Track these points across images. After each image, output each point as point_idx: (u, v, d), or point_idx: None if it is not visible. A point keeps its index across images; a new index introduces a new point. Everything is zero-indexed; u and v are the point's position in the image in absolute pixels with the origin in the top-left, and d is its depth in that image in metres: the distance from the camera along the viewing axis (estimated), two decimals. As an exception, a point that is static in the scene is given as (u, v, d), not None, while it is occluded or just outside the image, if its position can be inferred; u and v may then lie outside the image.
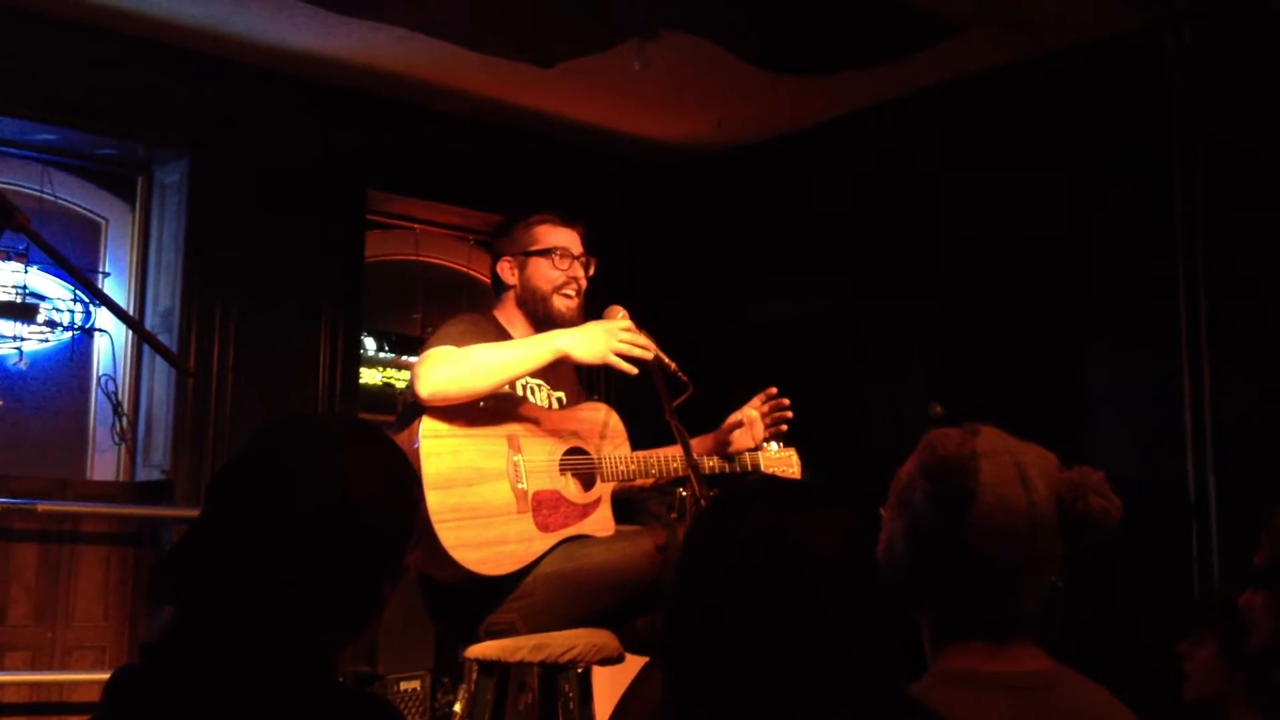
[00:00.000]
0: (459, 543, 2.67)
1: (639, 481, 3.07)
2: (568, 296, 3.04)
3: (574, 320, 3.02)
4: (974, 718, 1.51)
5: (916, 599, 1.63)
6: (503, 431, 2.84)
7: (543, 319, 3.02)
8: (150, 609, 4.60)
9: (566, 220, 3.11)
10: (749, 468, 3.13)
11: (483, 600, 2.79)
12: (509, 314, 3.07)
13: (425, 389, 2.71)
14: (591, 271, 3.12)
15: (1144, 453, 4.23)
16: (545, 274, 3.04)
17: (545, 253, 3.04)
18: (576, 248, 3.09)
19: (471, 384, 2.75)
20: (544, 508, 2.83)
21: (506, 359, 2.81)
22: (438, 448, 2.71)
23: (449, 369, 2.74)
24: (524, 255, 3.05)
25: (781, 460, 3.19)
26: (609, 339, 2.85)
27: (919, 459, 1.61)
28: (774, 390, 3.15)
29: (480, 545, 2.71)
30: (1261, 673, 2.44)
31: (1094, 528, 1.59)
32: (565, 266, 3.05)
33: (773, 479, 1.51)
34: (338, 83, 4.99)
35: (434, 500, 2.65)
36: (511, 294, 3.07)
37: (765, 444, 3.17)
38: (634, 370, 2.86)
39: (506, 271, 3.07)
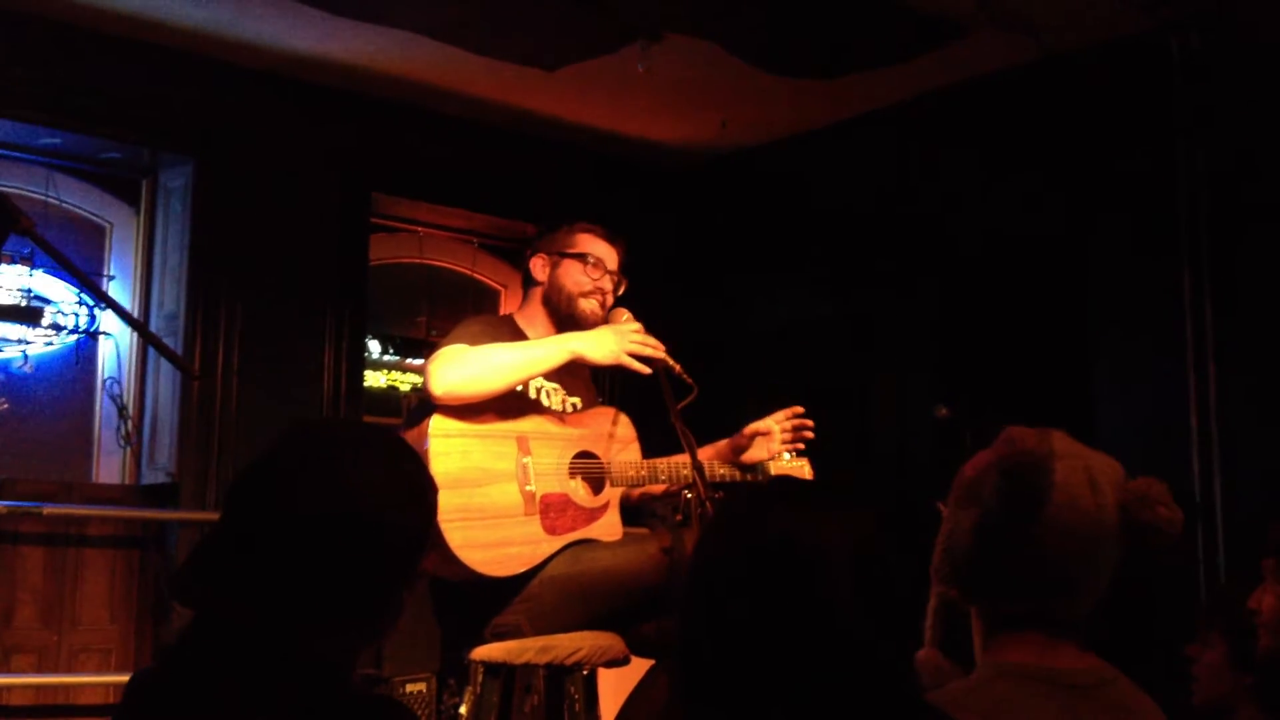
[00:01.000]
0: (465, 543, 2.67)
1: (651, 488, 3.08)
2: (593, 303, 3.06)
3: (597, 324, 3.04)
4: (1023, 709, 1.54)
5: (975, 591, 1.66)
6: (513, 433, 2.84)
7: (565, 319, 3.03)
8: (163, 611, 4.60)
9: (609, 236, 3.13)
10: (760, 478, 3.13)
11: (489, 602, 2.79)
12: (531, 313, 3.07)
13: (439, 386, 2.71)
14: (620, 291, 3.13)
15: (1149, 453, 4.22)
16: (575, 277, 3.05)
17: (580, 257, 3.05)
18: (612, 263, 3.10)
19: (485, 383, 2.75)
20: (552, 510, 2.83)
21: (521, 359, 2.82)
22: (447, 447, 2.71)
23: (463, 367, 2.74)
24: (559, 255, 3.07)
25: (794, 470, 3.20)
26: (620, 339, 2.87)
27: (997, 455, 1.64)
28: (800, 409, 3.15)
29: (486, 546, 2.71)
30: (1271, 674, 2.44)
31: (1158, 537, 1.64)
32: (596, 276, 3.06)
33: (786, 479, 1.50)
34: (341, 86, 4.99)
35: (441, 500, 2.62)
36: (539, 291, 3.07)
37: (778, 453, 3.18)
38: (647, 370, 2.88)
39: (538, 268, 3.08)
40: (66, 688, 4.48)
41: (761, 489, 1.40)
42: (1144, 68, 4.36)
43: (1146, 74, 4.36)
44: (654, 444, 3.10)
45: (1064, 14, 4.27)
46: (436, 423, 2.72)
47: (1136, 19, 4.26)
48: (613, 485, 2.96)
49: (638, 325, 2.92)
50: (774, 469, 3.16)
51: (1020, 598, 1.61)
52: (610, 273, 3.09)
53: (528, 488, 2.81)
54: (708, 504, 2.79)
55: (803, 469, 3.21)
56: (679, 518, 3.31)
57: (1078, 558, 1.60)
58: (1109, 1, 4.17)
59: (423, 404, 2.81)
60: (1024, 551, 1.59)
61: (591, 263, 3.06)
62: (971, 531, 1.64)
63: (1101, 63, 4.48)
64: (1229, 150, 4.18)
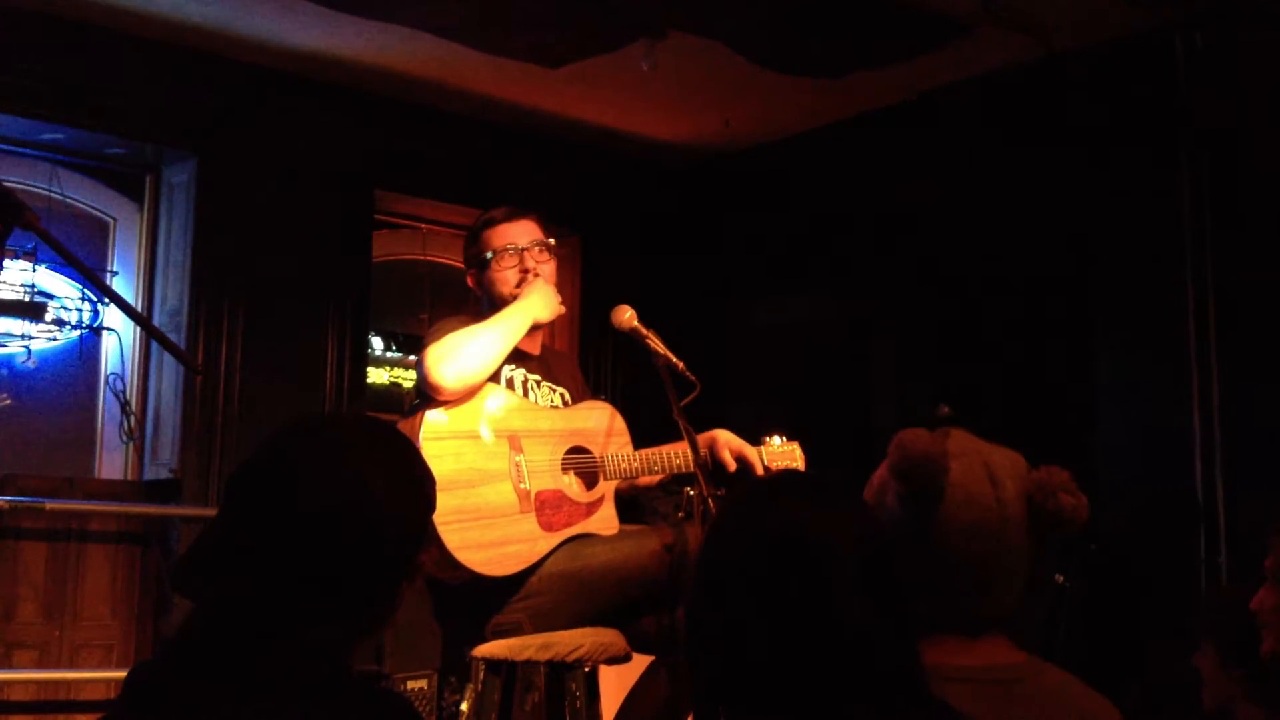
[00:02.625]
0: (463, 544, 2.68)
1: (644, 480, 3.08)
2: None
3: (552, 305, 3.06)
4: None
5: None
6: (504, 431, 2.84)
7: None
8: (164, 605, 4.60)
9: (511, 215, 3.08)
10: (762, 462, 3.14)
11: (489, 600, 2.79)
12: None
13: (447, 377, 2.72)
14: (552, 254, 3.11)
15: (1152, 456, 4.21)
16: (501, 278, 3.03)
17: (493, 257, 3.04)
18: (524, 238, 3.05)
19: (484, 360, 2.79)
20: (547, 507, 2.84)
21: (500, 331, 2.87)
22: (439, 450, 2.71)
23: (460, 352, 2.76)
24: (479, 266, 3.06)
25: (785, 454, 3.20)
26: (551, 296, 3.01)
27: (890, 460, 1.62)
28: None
29: (484, 546, 2.72)
30: (1275, 675, 2.43)
31: (1063, 525, 1.62)
32: (514, 264, 3.03)
33: (795, 473, 1.50)
34: (345, 83, 5.00)
35: (437, 502, 2.64)
36: (484, 303, 3.07)
37: (768, 438, 3.18)
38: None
39: (473, 285, 3.09)
40: (68, 683, 4.49)
41: (768, 484, 1.40)
42: (1147, 67, 4.36)
43: (1149, 73, 4.35)
44: (656, 440, 3.10)
45: (1067, 13, 4.27)
46: (428, 426, 2.72)
47: (1139, 18, 4.25)
48: (606, 479, 2.97)
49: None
50: (766, 454, 3.16)
51: (932, 600, 1.59)
52: (527, 248, 3.05)
53: (522, 486, 2.81)
54: (710, 501, 2.79)
55: (794, 452, 3.21)
56: (681, 515, 3.31)
57: (983, 554, 1.58)
58: (1112, 0, 4.16)
59: (424, 399, 2.81)
60: (928, 553, 1.58)
61: (506, 254, 3.03)
62: None
63: (1104, 61, 4.48)
64: (1232, 149, 4.17)
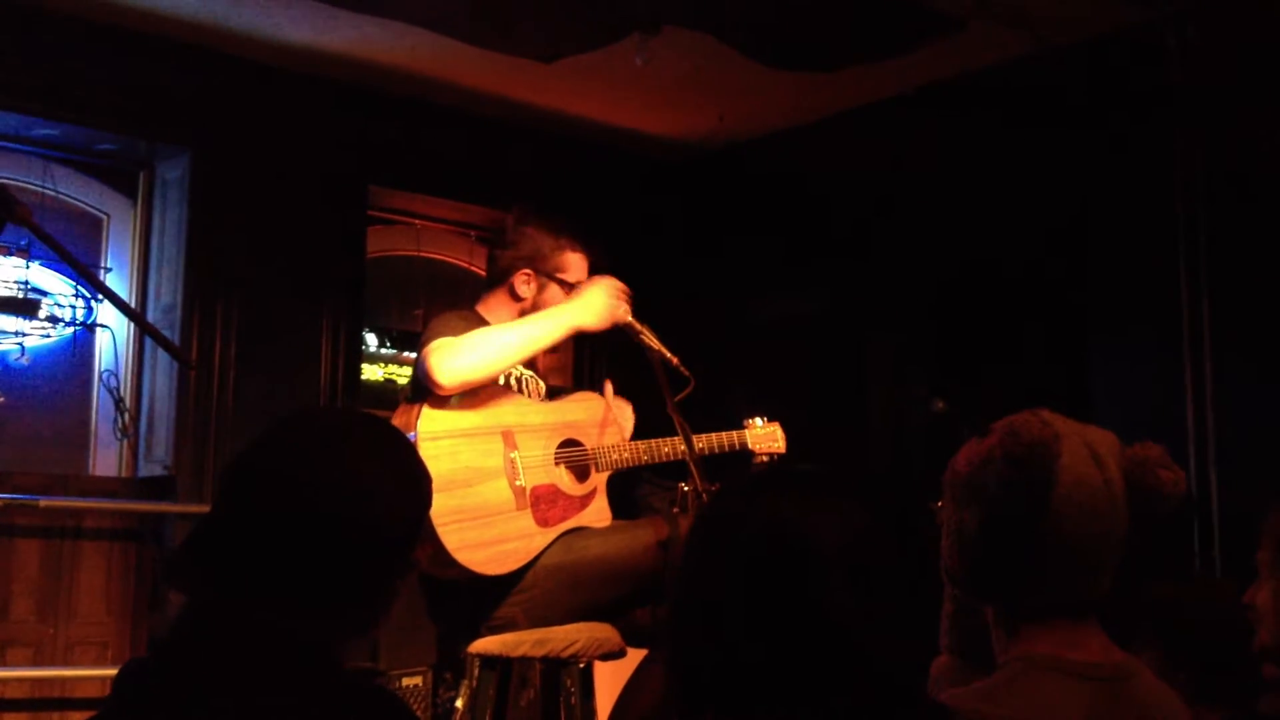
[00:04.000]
0: (462, 544, 2.68)
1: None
2: None
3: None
4: (1052, 704, 1.53)
5: (993, 588, 1.64)
6: (497, 428, 2.84)
7: None
8: (156, 602, 4.60)
9: (588, 249, 3.10)
10: (736, 445, 3.15)
11: (484, 596, 2.79)
12: (500, 318, 3.04)
13: (446, 377, 2.69)
14: None
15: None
16: (560, 302, 3.02)
17: (571, 286, 3.02)
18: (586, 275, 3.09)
19: (490, 365, 2.75)
20: (542, 503, 2.84)
21: (522, 338, 2.81)
22: (435, 450, 2.71)
23: (466, 354, 2.73)
24: (548, 277, 3.03)
25: (768, 436, 3.21)
26: (609, 300, 2.89)
27: (1001, 445, 1.60)
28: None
29: (482, 545, 2.72)
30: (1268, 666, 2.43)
31: (1164, 500, 1.62)
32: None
33: (779, 468, 1.49)
34: (338, 78, 4.99)
35: (435, 503, 2.64)
36: (517, 307, 3.03)
37: (751, 420, 3.20)
38: (638, 326, 2.93)
39: (523, 283, 3.02)
40: (63, 681, 4.48)
41: (750, 480, 1.38)
42: (1140, 60, 4.36)
43: (1143, 66, 4.35)
44: (649, 435, 3.12)
45: (1060, 7, 4.27)
46: (424, 425, 2.71)
47: (1131, 11, 4.26)
48: (598, 471, 2.98)
49: (620, 285, 2.94)
50: (750, 437, 3.18)
51: (1043, 587, 1.59)
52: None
53: (517, 482, 2.81)
54: (704, 496, 2.80)
55: (775, 433, 3.22)
56: (675, 510, 3.32)
57: (1094, 536, 1.58)
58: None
59: (417, 393, 2.80)
60: (1040, 539, 1.57)
61: (578, 286, 3.03)
62: (978, 529, 1.61)
63: (1098, 55, 4.48)
64: (1225, 143, 4.17)
